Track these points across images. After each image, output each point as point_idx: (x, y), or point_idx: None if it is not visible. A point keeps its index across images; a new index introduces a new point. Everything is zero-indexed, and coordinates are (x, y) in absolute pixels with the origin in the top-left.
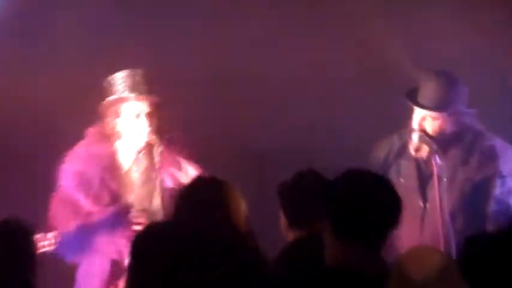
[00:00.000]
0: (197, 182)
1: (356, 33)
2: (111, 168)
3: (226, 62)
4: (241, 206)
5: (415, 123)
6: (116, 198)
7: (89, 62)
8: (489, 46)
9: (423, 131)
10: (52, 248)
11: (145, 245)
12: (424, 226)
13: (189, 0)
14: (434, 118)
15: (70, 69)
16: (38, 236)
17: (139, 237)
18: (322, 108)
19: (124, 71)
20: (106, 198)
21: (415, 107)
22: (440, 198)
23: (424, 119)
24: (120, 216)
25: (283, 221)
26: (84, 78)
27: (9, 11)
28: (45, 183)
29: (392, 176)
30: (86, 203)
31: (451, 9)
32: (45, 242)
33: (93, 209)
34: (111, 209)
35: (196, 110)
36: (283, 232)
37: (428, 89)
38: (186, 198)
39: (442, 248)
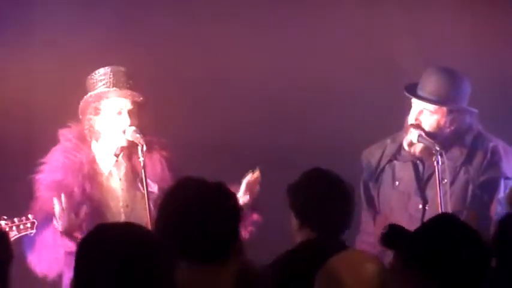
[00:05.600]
0: (184, 182)
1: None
2: (90, 175)
3: (220, 62)
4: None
5: (411, 118)
6: (98, 207)
7: (76, 60)
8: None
9: (420, 126)
10: (30, 231)
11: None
12: None
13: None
14: (432, 112)
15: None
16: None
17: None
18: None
19: (106, 67)
20: (86, 209)
21: (413, 101)
22: (442, 200)
23: (421, 113)
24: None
25: (293, 222)
26: (68, 77)
27: None
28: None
29: (386, 180)
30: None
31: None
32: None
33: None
34: None
35: (185, 111)
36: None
37: (429, 82)
38: (170, 199)
39: None
